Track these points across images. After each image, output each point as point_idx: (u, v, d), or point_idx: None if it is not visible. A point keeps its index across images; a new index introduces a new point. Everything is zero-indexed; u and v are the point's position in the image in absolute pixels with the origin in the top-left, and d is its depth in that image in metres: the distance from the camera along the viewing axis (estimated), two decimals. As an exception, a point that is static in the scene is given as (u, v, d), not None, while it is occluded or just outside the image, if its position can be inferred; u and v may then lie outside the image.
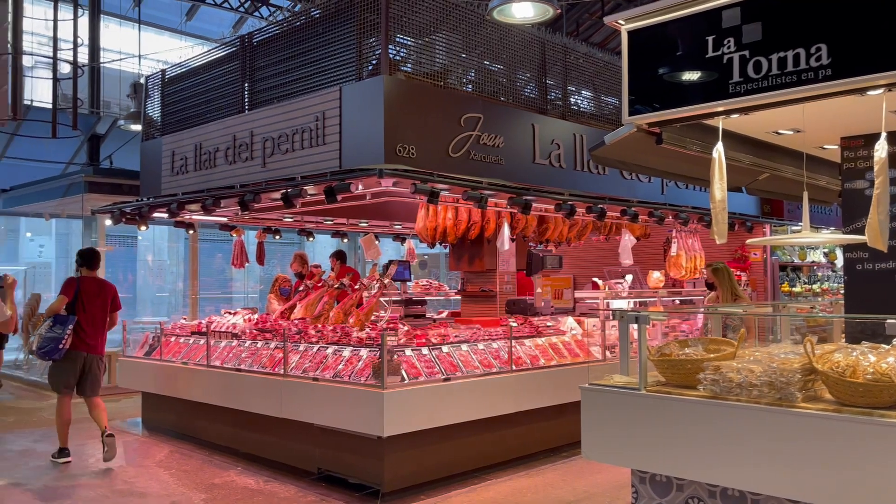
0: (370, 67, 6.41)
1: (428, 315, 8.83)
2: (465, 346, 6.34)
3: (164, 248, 19.86)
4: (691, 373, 3.63)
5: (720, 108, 3.74)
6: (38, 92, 13.26)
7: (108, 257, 12.12)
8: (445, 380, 5.85)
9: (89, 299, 6.79)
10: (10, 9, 7.38)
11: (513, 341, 6.58)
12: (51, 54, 9.76)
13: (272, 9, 15.95)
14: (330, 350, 6.29)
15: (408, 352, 5.90)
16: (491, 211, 7.44)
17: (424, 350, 6.02)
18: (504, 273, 8.30)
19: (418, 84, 6.45)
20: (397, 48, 6.47)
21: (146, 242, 19.36)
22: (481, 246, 8.13)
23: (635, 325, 3.91)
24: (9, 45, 7.44)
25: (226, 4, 15.62)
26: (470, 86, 7.10)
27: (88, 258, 7.00)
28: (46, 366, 11.27)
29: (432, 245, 8.26)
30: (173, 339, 8.06)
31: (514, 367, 6.43)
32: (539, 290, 7.75)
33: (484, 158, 6.81)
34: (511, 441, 6.47)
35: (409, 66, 6.60)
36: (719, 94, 3.69)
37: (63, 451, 6.71)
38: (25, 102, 8.13)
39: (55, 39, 8.74)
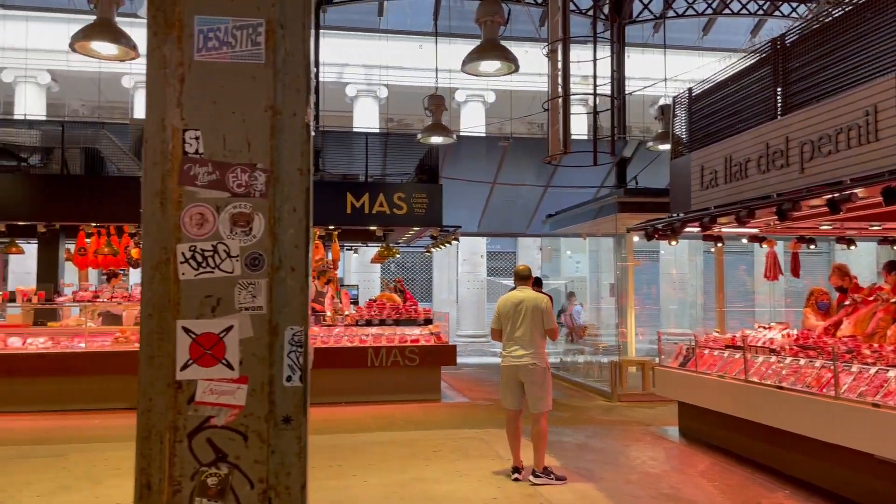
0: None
1: None
2: None
3: (683, 261, 20.37)
4: None
5: None
6: (573, 126, 15.07)
7: (635, 272, 12.97)
8: None
9: None
10: (559, 57, 8.59)
11: None
12: (582, 91, 11.01)
13: (794, 4, 14.97)
14: (892, 374, 5.51)
15: None
16: None
17: None
18: None
19: None
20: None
21: (668, 257, 20.13)
22: None
23: None
24: (559, 89, 8.64)
25: (744, 11, 15.27)
26: None
27: (537, 281, 10.11)
28: (593, 369, 12.81)
29: None
30: (706, 351, 8.14)
31: None
32: None
33: None
34: None
35: None
36: None
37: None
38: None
39: (595, 77, 9.77)
